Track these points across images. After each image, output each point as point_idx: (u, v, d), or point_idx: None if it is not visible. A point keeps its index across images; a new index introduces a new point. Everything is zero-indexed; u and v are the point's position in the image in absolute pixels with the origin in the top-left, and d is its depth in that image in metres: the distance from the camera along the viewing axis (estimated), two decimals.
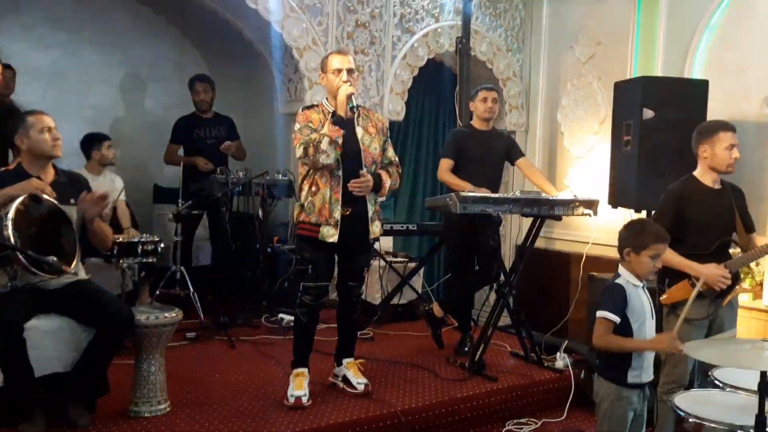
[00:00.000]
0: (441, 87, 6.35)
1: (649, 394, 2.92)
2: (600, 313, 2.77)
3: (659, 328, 3.07)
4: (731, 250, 3.47)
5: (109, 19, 6.05)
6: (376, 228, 3.59)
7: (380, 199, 3.68)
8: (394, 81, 5.67)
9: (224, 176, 4.91)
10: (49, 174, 3.25)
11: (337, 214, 3.42)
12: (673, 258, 3.29)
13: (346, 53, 3.61)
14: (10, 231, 2.78)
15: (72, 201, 3.23)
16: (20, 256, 2.79)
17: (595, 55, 5.73)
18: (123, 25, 6.14)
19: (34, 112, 3.25)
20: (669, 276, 3.37)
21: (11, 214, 2.81)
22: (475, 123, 4.58)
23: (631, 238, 2.85)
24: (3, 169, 3.35)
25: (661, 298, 3.40)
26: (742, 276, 4.42)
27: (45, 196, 3.04)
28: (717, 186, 3.45)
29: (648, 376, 2.85)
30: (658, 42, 5.22)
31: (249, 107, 6.40)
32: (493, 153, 4.54)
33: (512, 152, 4.65)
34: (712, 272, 3.27)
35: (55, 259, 2.86)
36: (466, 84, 5.48)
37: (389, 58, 5.66)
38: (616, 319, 2.75)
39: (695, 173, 3.50)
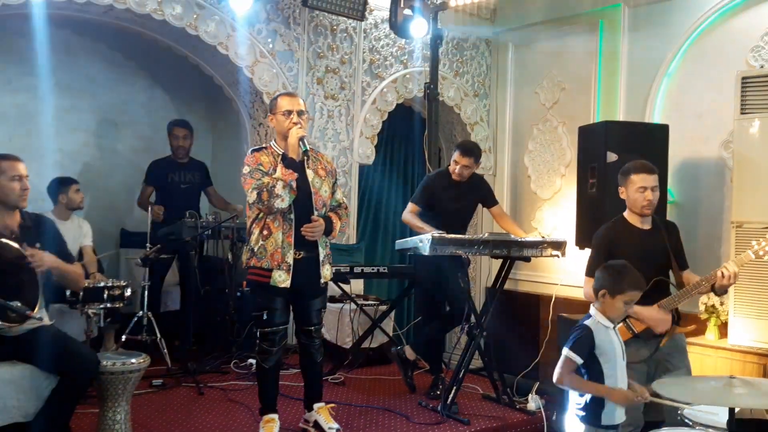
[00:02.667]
0: (410, 131, 6.44)
1: None
2: (565, 351, 2.79)
3: None
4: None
5: (79, 64, 6.06)
6: (326, 271, 3.57)
7: (330, 241, 3.67)
8: (363, 125, 5.75)
9: (193, 220, 4.87)
10: (15, 218, 3.19)
11: (290, 259, 3.39)
12: None
13: (296, 95, 3.63)
14: None
15: (37, 245, 3.17)
16: None
17: (559, 101, 5.89)
18: (93, 70, 6.15)
19: (8, 158, 3.19)
20: None
21: None
22: (450, 170, 4.57)
23: (609, 280, 2.85)
24: None
25: None
26: (704, 316, 4.50)
27: (8, 241, 2.99)
28: (646, 226, 3.48)
29: (621, 417, 2.86)
30: (619, 88, 5.40)
31: (218, 151, 6.42)
32: (464, 203, 4.58)
33: (487, 199, 4.72)
34: (653, 316, 3.30)
35: (19, 304, 2.80)
36: (434, 128, 5.57)
37: (359, 103, 5.75)
38: (579, 360, 2.77)
39: (625, 214, 3.53)
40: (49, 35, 5.60)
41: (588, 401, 2.82)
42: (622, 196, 3.49)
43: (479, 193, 4.67)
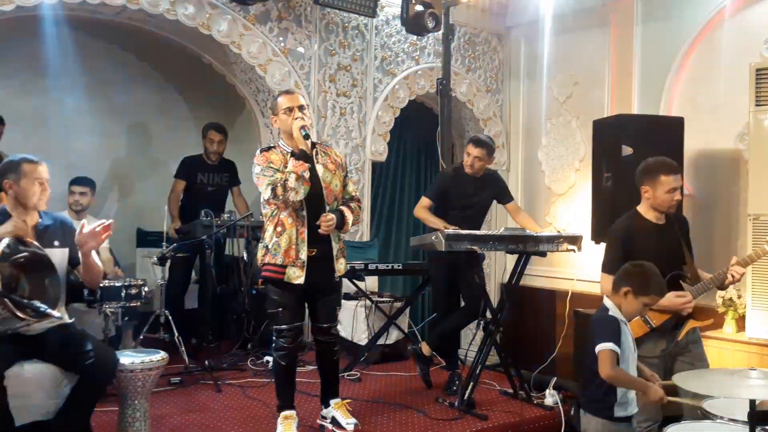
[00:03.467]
0: (423, 128, 6.44)
1: (635, 427, 2.92)
2: (602, 346, 2.74)
3: None
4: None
5: (93, 66, 6.09)
6: (341, 266, 3.58)
7: (343, 235, 3.68)
8: (376, 122, 5.75)
9: (209, 219, 4.90)
10: (34, 218, 3.22)
11: (304, 255, 3.40)
12: None
13: (294, 92, 3.65)
14: None
15: (56, 243, 3.20)
16: (6, 301, 2.74)
17: (573, 95, 5.86)
18: (106, 72, 6.18)
19: (31, 161, 3.19)
20: None
21: None
22: (464, 164, 4.58)
23: (637, 281, 2.83)
24: None
25: None
26: (721, 309, 4.47)
27: (29, 240, 3.01)
28: (661, 221, 3.45)
29: (633, 408, 2.86)
30: (633, 81, 5.37)
31: (232, 150, 6.43)
32: (479, 199, 4.57)
33: (501, 195, 4.70)
34: (672, 302, 3.28)
35: (39, 303, 2.82)
36: (447, 124, 5.56)
37: (371, 100, 5.75)
38: (618, 349, 2.75)
39: (639, 209, 3.49)
40: (63, 37, 5.67)
41: (601, 394, 2.82)
42: (646, 195, 3.43)
43: (494, 188, 4.66)
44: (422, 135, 6.48)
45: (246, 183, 5.88)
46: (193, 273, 5.53)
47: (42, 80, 5.83)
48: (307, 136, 3.42)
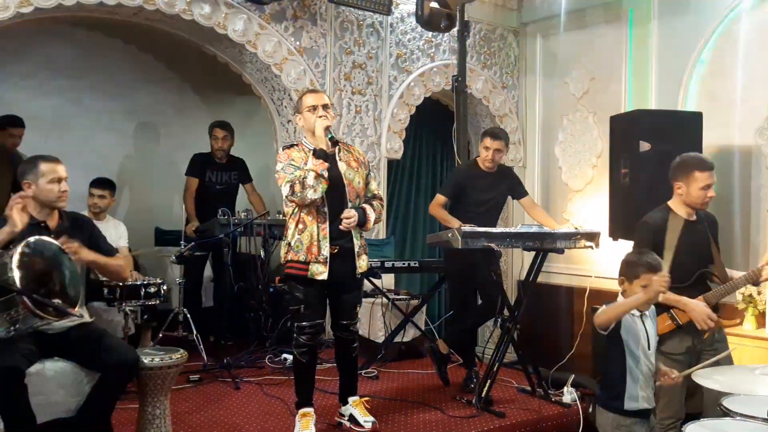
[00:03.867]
0: (438, 125, 6.43)
1: (655, 424, 2.91)
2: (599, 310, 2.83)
3: None
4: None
5: (110, 66, 6.15)
6: (363, 262, 3.58)
7: (365, 233, 3.68)
8: (391, 120, 5.74)
9: (226, 217, 4.93)
10: (54, 218, 3.25)
11: (326, 251, 3.41)
12: None
13: (319, 91, 3.68)
14: (15, 274, 2.77)
15: (63, 247, 3.22)
16: (26, 299, 2.77)
17: (590, 91, 5.82)
18: (123, 72, 6.23)
19: (49, 160, 3.21)
20: None
21: (16, 257, 2.81)
22: (480, 162, 4.58)
23: (626, 267, 2.89)
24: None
25: None
26: (741, 306, 4.43)
27: (49, 239, 3.04)
28: (692, 218, 3.43)
29: (648, 402, 2.85)
30: (650, 76, 5.32)
31: (248, 148, 6.46)
32: (496, 195, 4.56)
33: (516, 190, 4.68)
34: (701, 310, 3.25)
35: (59, 301, 2.85)
36: (463, 121, 5.55)
37: (386, 98, 5.74)
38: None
39: (671, 204, 3.47)
40: (80, 38, 5.73)
41: (610, 387, 2.83)
42: (679, 191, 3.41)
43: (508, 183, 4.65)
44: (438, 132, 6.47)
45: (258, 180, 5.93)
46: (207, 271, 5.55)
47: (60, 81, 5.90)
48: (332, 139, 3.44)
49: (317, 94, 3.59)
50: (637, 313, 2.86)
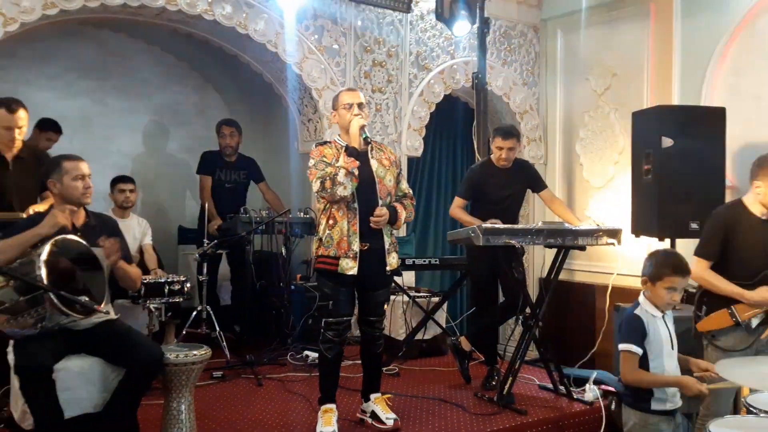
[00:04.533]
0: (458, 122, 6.42)
1: (681, 422, 2.88)
2: (623, 347, 2.76)
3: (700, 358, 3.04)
4: None
5: (133, 67, 6.23)
6: (393, 260, 3.60)
7: (395, 231, 3.70)
8: (411, 117, 5.75)
9: (247, 215, 4.96)
10: (80, 217, 3.30)
11: (356, 247, 3.44)
12: (719, 284, 3.25)
13: (356, 90, 3.69)
14: (42, 272, 2.83)
15: (101, 245, 3.27)
16: (52, 297, 2.83)
17: (611, 87, 5.78)
18: (146, 72, 6.31)
19: (71, 158, 3.27)
20: (708, 303, 3.33)
21: (44, 255, 2.86)
22: (494, 160, 4.56)
23: (649, 267, 2.84)
24: (35, 212, 3.43)
25: (696, 325, 3.36)
26: None
27: (76, 238, 3.10)
28: (765, 216, 3.37)
29: (674, 403, 2.82)
30: (673, 71, 5.27)
31: (268, 147, 6.52)
32: (512, 191, 4.53)
33: (535, 184, 4.66)
34: (765, 296, 3.20)
35: (86, 298, 2.90)
36: (483, 118, 5.54)
37: (406, 96, 5.75)
38: (638, 350, 2.73)
39: (745, 199, 3.42)
40: (104, 39, 5.80)
41: (637, 388, 2.80)
42: (757, 190, 3.35)
43: (526, 178, 4.62)
44: (458, 129, 6.47)
45: (277, 179, 5.97)
46: (223, 269, 5.59)
47: (85, 82, 5.99)
48: (366, 139, 3.46)
49: (354, 93, 3.62)
50: (659, 314, 2.83)
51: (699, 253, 3.37)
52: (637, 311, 2.84)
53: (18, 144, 3.88)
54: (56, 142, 5.27)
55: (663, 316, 2.85)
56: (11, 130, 3.82)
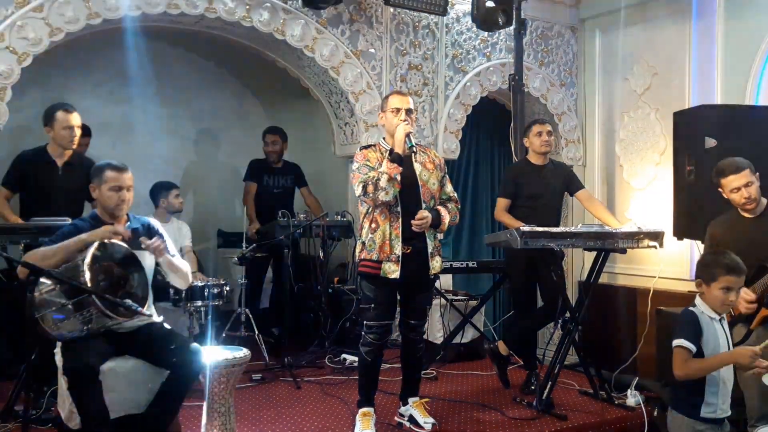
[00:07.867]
0: (495, 124, 6.38)
1: (729, 430, 2.82)
2: (676, 342, 2.71)
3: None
4: None
5: (174, 74, 6.34)
6: (436, 263, 3.59)
7: (439, 235, 3.68)
8: (447, 120, 5.73)
9: (285, 219, 5.02)
10: (122, 221, 3.37)
11: (398, 251, 3.44)
12: None
13: (406, 94, 3.70)
14: (87, 276, 2.89)
15: (143, 246, 3.34)
16: (97, 300, 2.89)
17: (652, 86, 5.68)
18: (187, 79, 6.42)
19: (116, 168, 3.27)
20: None
21: (88, 259, 2.93)
22: (531, 158, 4.57)
23: (702, 268, 2.80)
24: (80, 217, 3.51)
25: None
26: None
27: (118, 242, 3.16)
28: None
29: (724, 412, 2.76)
30: (716, 70, 5.14)
31: (307, 151, 6.57)
32: (550, 188, 4.51)
33: (571, 184, 4.62)
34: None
35: (129, 301, 2.96)
36: (520, 120, 5.49)
37: (442, 98, 5.74)
38: (692, 347, 2.67)
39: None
40: (145, 47, 5.92)
41: (685, 393, 2.75)
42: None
43: (562, 176, 4.59)
44: (495, 131, 6.43)
45: (316, 183, 6.01)
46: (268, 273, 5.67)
47: (127, 89, 6.10)
48: (411, 147, 3.45)
49: (404, 97, 3.63)
50: (716, 316, 2.77)
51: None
52: (693, 308, 2.79)
53: (75, 143, 4.13)
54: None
55: (720, 320, 2.80)
56: (71, 129, 4.05)
